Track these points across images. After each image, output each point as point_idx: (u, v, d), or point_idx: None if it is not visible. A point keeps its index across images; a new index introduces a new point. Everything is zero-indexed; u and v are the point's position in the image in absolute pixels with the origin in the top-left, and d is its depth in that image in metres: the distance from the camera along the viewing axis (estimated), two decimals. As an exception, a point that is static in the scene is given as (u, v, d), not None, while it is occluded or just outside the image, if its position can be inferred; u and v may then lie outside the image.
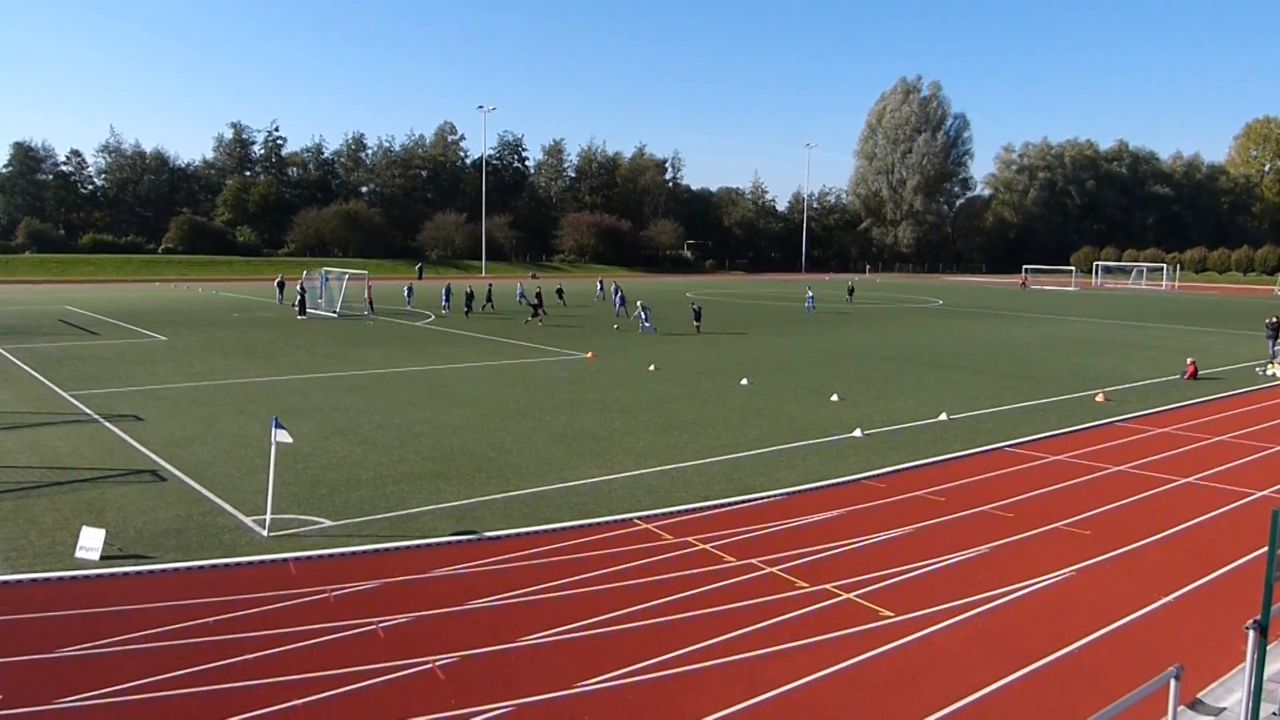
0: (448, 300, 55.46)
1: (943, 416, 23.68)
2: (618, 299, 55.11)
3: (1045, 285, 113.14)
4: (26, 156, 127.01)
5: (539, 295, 52.78)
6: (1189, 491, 17.03)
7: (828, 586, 11.79)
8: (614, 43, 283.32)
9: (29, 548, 12.71)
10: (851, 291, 75.87)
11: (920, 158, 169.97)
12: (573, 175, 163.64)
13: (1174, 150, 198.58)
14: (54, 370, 29.08)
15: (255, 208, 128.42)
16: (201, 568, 12.19)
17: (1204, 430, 22.85)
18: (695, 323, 46.04)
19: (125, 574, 11.90)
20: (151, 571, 12.00)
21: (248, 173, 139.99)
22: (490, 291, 58.34)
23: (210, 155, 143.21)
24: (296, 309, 51.65)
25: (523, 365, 32.48)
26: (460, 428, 21.35)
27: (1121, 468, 18.71)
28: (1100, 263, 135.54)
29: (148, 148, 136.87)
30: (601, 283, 72.21)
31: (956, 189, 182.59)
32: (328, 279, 59.96)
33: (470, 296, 54.18)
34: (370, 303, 55.31)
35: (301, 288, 54.31)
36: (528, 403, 24.85)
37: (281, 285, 61.70)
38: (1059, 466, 18.81)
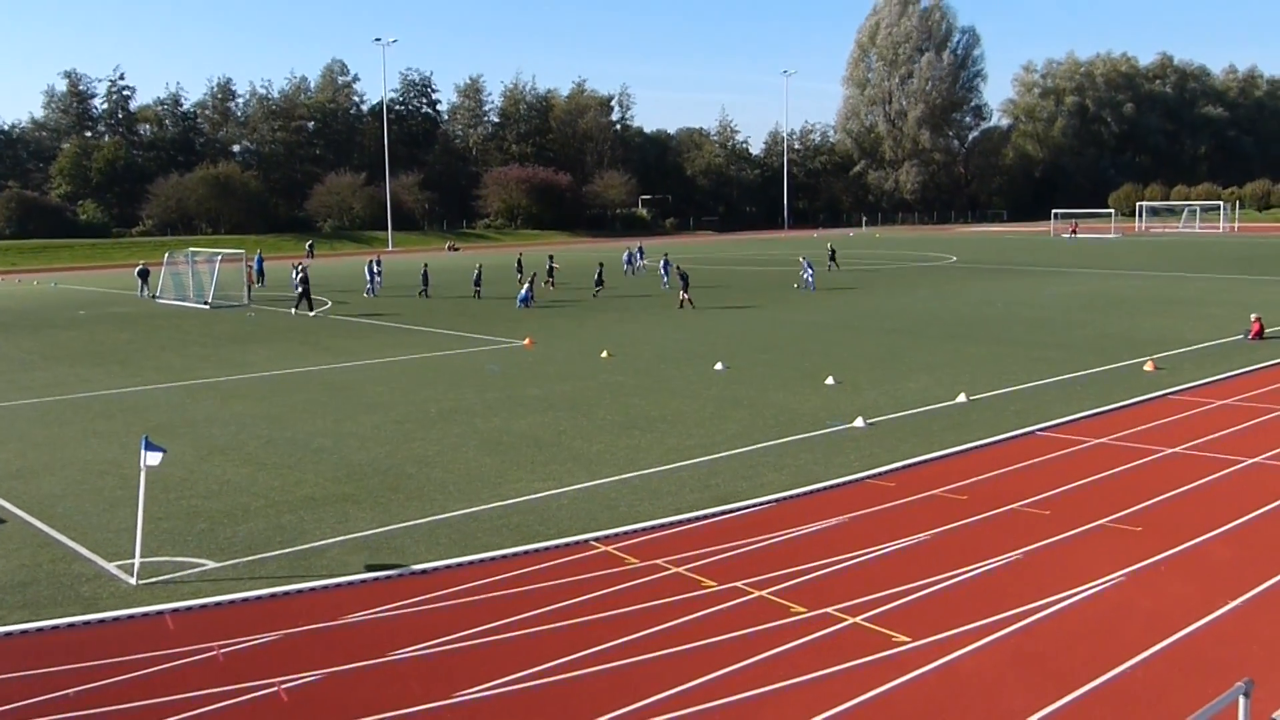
0: (426, 284, 55.53)
1: (961, 398, 24.00)
2: (664, 269, 58.58)
3: (1079, 233, 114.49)
4: None
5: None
6: (1258, 474, 17.42)
7: (830, 610, 11.96)
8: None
9: None
10: (834, 255, 68.84)
11: (924, 83, 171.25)
12: (496, 120, 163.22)
13: (1227, 63, 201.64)
14: None
15: (100, 177, 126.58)
16: (56, 628, 12.10)
17: (1275, 400, 23.35)
18: (683, 293, 45.89)
19: (-40, 639, 11.81)
20: (-7, 635, 11.94)
21: (88, 134, 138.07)
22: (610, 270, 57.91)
23: (39, 114, 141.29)
24: (298, 303, 49.01)
25: (444, 358, 32.47)
26: (370, 439, 21.33)
27: (1176, 449, 19.09)
28: (1144, 203, 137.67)
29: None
30: (633, 252, 71.08)
31: (968, 119, 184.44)
32: (194, 262, 59.43)
33: (426, 276, 55.58)
34: (249, 288, 55.07)
35: (297, 266, 52.88)
36: (453, 404, 24.86)
37: (145, 274, 60.83)
38: (1102, 451, 19.14)
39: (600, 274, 54.95)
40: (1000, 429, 20.98)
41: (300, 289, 48.59)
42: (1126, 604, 12.01)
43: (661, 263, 59.95)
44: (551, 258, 61.51)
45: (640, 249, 72.59)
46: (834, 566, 13.39)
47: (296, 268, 54.68)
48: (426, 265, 58.46)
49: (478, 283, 53.55)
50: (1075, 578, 12.77)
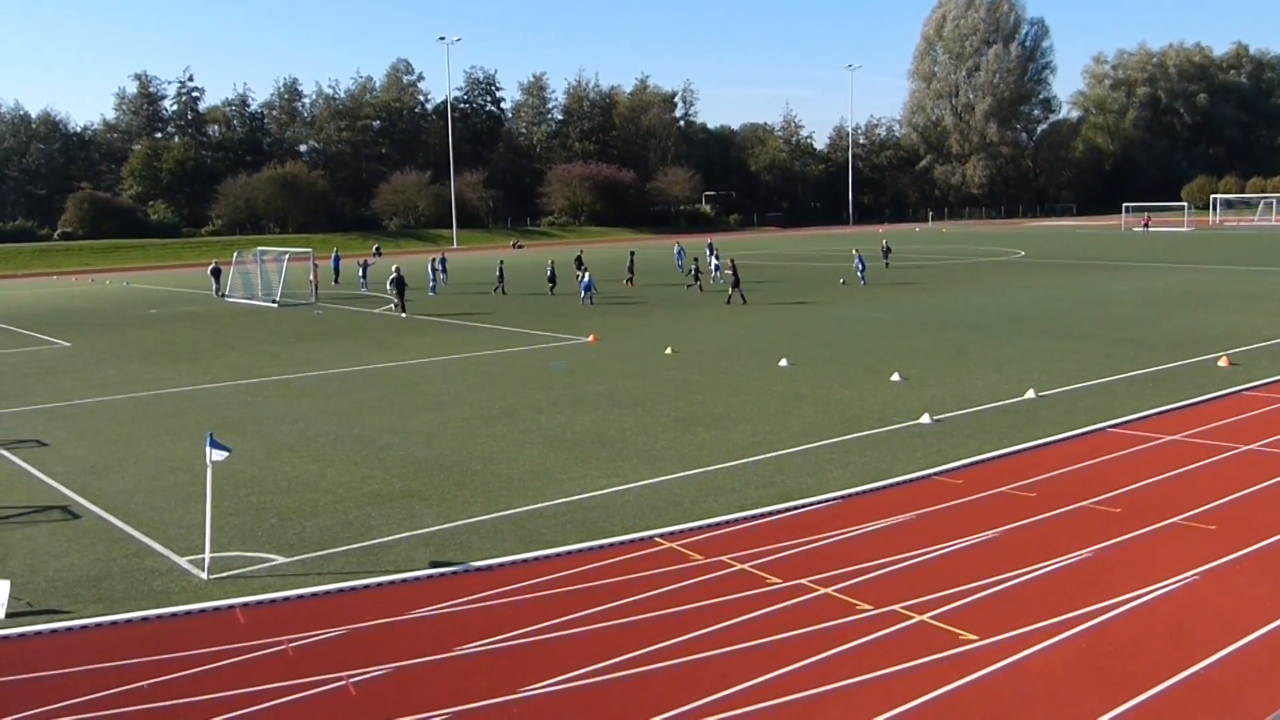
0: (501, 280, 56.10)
1: (1030, 394, 23.74)
2: (715, 265, 59.23)
3: (1151, 227, 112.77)
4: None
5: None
6: (1337, 472, 17.07)
7: (896, 608, 11.90)
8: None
9: (-81, 606, 12.84)
10: (888, 252, 66.95)
11: (991, 75, 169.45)
12: (559, 118, 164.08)
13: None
14: (-65, 389, 29.30)
15: (170, 177, 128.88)
16: (129, 621, 12.32)
17: (1354, 396, 22.87)
18: (732, 288, 46.33)
19: (38, 633, 12.05)
20: (69, 629, 12.14)
21: (158, 135, 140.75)
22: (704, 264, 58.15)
23: (111, 116, 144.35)
24: (394, 303, 48.05)
25: (508, 355, 32.65)
26: (435, 435, 21.51)
27: (1251, 446, 18.75)
28: (1218, 196, 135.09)
29: (32, 110, 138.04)
30: (683, 249, 70.17)
31: (1037, 112, 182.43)
32: (262, 261, 60.34)
33: (501, 274, 56.44)
34: (315, 286, 55.69)
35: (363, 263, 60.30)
36: (517, 401, 24.99)
37: (217, 273, 61.74)
38: (1174, 448, 18.85)
39: (696, 270, 54.97)
40: (1070, 425, 20.71)
41: (396, 288, 47.39)
42: (1200, 604, 11.83)
43: (712, 258, 60.65)
44: (632, 254, 61.63)
45: (709, 245, 72.02)
46: (900, 564, 13.31)
47: (364, 264, 55.49)
48: (502, 262, 59.02)
49: (551, 279, 54.02)
50: (1147, 577, 12.60)
